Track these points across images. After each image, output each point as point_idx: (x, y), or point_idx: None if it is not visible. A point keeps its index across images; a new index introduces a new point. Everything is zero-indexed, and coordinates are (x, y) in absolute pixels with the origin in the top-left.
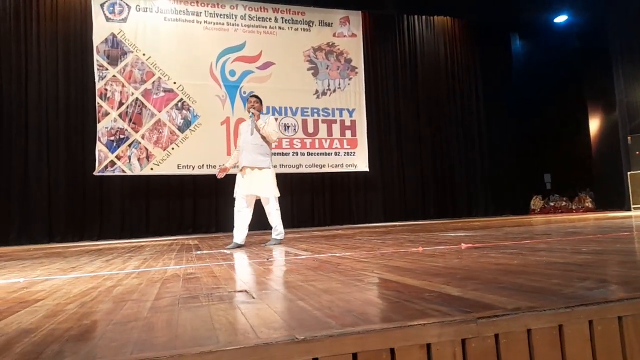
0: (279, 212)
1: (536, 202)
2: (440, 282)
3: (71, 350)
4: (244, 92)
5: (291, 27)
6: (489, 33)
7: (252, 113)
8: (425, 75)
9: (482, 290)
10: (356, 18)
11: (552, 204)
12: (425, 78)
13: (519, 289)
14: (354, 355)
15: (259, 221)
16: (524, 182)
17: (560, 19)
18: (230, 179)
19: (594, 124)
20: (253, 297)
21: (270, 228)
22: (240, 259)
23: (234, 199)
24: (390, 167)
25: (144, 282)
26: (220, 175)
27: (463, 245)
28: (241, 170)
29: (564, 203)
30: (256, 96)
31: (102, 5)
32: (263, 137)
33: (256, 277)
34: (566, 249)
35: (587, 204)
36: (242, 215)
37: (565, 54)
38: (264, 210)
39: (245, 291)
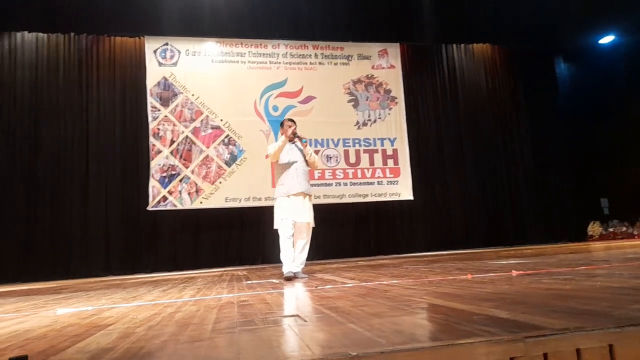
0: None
1: (594, 228)
2: (489, 306)
3: None
4: None
5: (331, 62)
6: (532, 58)
7: (305, 139)
8: (467, 102)
9: (531, 313)
10: (394, 50)
11: (611, 229)
12: (466, 105)
13: (569, 312)
14: None
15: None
16: (579, 208)
17: (606, 39)
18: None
19: None
20: (305, 321)
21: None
22: (289, 287)
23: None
24: (435, 195)
25: (202, 308)
26: (290, 135)
27: (514, 273)
28: (294, 195)
29: (624, 229)
30: (294, 120)
31: (155, 52)
32: (307, 164)
33: (306, 304)
34: (623, 274)
35: None
36: (291, 242)
37: (613, 74)
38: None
39: (298, 315)
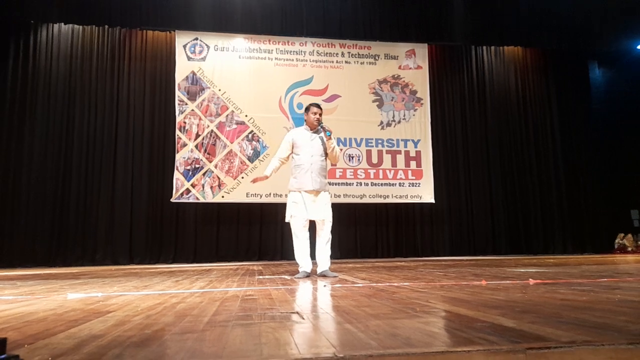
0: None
1: (629, 240)
2: (495, 313)
3: (130, 354)
4: None
5: (357, 61)
6: (565, 62)
7: (329, 131)
8: (495, 105)
9: (539, 323)
10: (422, 50)
11: (639, 243)
12: (494, 109)
13: (580, 324)
14: None
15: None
16: (606, 219)
17: None
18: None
19: None
20: (303, 319)
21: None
22: (298, 284)
23: (288, 223)
24: (457, 199)
25: (205, 300)
26: (254, 182)
27: (531, 281)
28: (306, 192)
29: None
30: (320, 107)
31: (184, 46)
32: (326, 158)
33: (310, 301)
34: None
35: None
36: (306, 239)
37: None
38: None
39: (297, 313)
